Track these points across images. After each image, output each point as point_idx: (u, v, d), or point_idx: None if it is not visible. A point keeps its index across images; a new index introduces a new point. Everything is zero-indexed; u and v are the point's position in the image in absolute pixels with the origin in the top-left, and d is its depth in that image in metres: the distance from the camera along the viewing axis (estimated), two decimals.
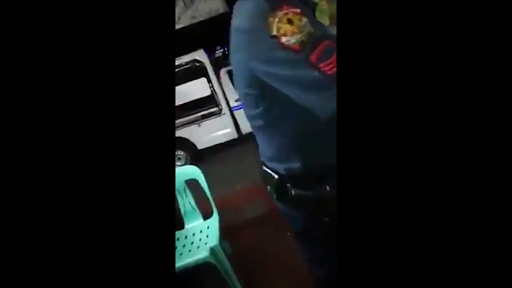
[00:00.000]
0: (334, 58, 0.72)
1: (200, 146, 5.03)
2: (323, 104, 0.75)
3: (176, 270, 1.72)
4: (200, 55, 4.92)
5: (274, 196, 0.95)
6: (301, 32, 0.73)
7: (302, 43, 0.72)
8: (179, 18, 6.09)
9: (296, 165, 0.87)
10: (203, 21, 5.51)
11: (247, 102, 0.89)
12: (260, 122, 0.88)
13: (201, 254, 1.77)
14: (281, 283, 1.88)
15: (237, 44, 0.83)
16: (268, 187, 0.95)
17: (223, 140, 5.04)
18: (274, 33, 0.73)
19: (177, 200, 2.10)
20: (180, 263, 1.76)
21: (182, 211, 2.10)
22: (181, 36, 4.97)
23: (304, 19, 0.73)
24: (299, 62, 0.73)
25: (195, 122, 4.96)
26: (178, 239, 2.03)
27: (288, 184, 0.89)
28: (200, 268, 1.77)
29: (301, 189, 0.88)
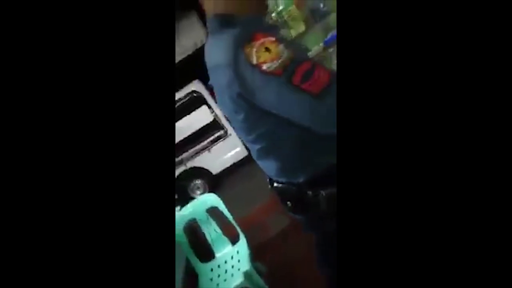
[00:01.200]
0: (315, 77, 0.74)
1: (214, 171, 5.10)
2: (318, 120, 0.78)
3: None
4: (196, 86, 5.04)
5: (291, 210, 0.96)
6: (280, 57, 0.75)
7: (284, 67, 0.75)
8: None
9: (306, 176, 0.89)
10: (191, 55, 5.56)
11: (243, 128, 0.91)
12: (260, 145, 0.91)
13: (236, 281, 1.78)
14: None
15: (222, 80, 0.83)
16: (288, 203, 0.96)
17: (234, 160, 5.10)
18: (255, 62, 0.76)
19: (202, 230, 2.11)
20: None
21: (209, 241, 2.11)
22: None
23: (281, 45, 0.76)
24: (284, 85, 0.76)
25: (205, 149, 5.06)
26: (211, 269, 2.03)
27: (309, 192, 0.90)
28: None
29: (329, 188, 0.88)
